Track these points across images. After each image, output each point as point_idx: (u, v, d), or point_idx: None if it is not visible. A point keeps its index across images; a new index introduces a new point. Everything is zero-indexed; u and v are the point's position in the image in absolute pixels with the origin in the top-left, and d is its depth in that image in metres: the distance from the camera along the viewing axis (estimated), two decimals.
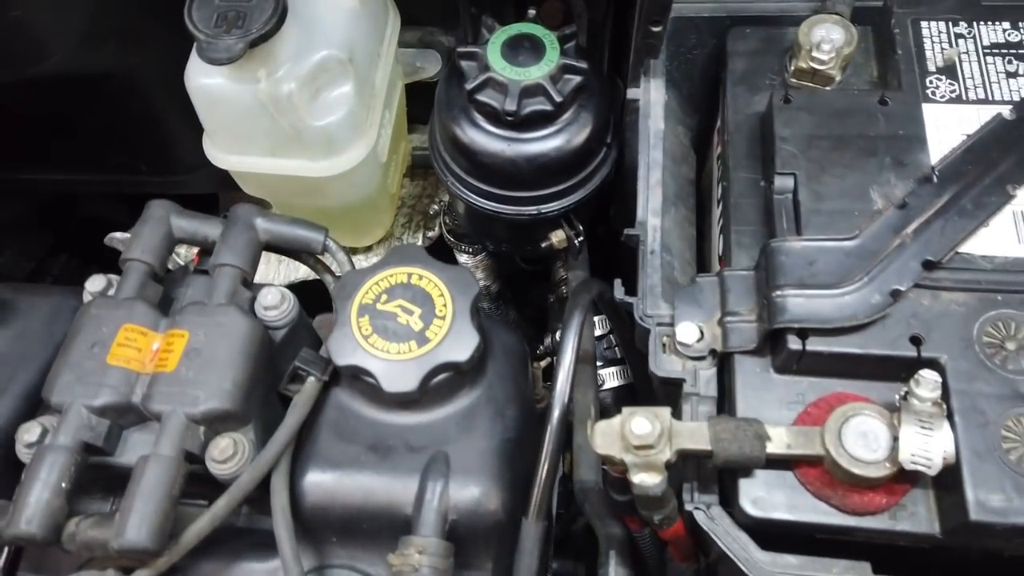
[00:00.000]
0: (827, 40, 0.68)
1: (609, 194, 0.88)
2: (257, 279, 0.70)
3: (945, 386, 0.54)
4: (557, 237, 0.84)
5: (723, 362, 0.63)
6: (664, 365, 0.64)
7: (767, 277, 0.60)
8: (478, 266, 1.06)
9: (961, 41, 0.69)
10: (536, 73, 0.72)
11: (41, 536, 0.55)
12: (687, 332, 0.63)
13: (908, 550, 0.55)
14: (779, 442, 0.55)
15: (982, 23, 0.69)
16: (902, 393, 0.54)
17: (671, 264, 0.74)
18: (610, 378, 0.98)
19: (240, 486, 0.58)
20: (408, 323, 0.63)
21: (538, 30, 0.74)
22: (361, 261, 1.03)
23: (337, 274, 0.70)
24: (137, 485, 0.55)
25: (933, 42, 0.69)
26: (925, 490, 0.55)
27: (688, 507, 0.59)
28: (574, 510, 0.82)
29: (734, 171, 0.70)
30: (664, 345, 0.65)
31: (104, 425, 0.60)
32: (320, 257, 0.72)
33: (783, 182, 0.64)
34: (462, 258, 1.04)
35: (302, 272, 0.99)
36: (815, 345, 0.57)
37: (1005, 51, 0.68)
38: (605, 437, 0.56)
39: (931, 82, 0.67)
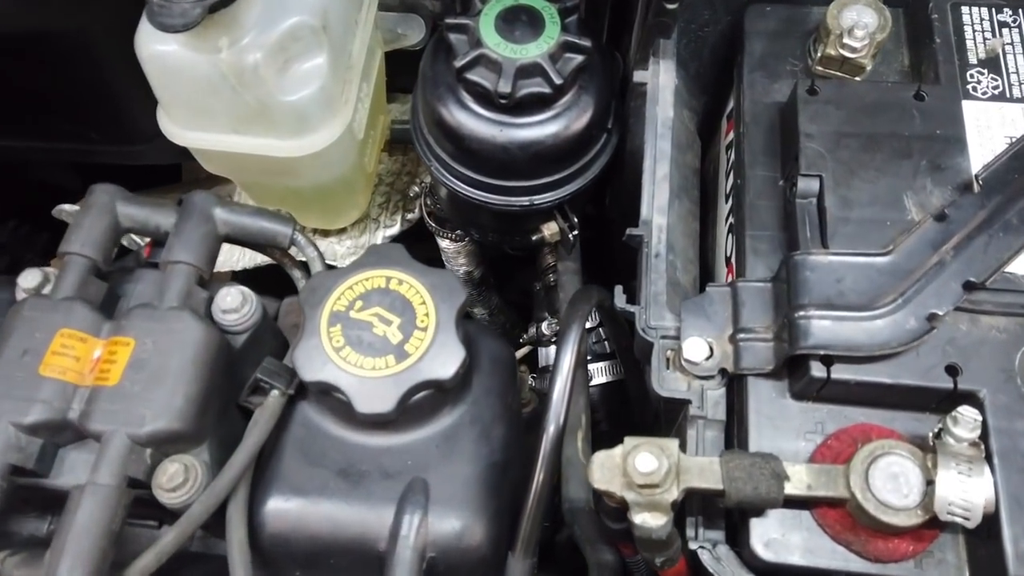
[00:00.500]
0: (860, 25, 0.61)
1: (607, 180, 0.81)
2: (220, 260, 0.63)
3: (983, 423, 0.49)
4: (549, 230, 0.77)
5: (733, 382, 0.57)
6: (668, 383, 0.58)
7: (789, 294, 0.54)
8: (460, 251, 0.98)
9: (1006, 31, 0.62)
10: (534, 51, 0.64)
11: None
12: (695, 349, 0.57)
13: None
14: (798, 482, 0.50)
15: None
16: (935, 430, 0.49)
17: (673, 264, 0.68)
18: (598, 374, 0.93)
19: (191, 519, 0.51)
20: (385, 334, 0.56)
21: (537, 1, 0.66)
22: (335, 245, 0.96)
23: (308, 271, 0.63)
24: (71, 520, 0.49)
25: (974, 31, 0.63)
26: (955, 535, 0.50)
27: (692, 545, 0.53)
28: (559, 520, 0.77)
29: (750, 168, 0.63)
30: (668, 360, 0.59)
31: (36, 445, 0.53)
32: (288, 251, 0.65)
33: (807, 185, 0.58)
34: (444, 243, 0.97)
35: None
36: (841, 373, 0.52)
37: None
38: (604, 471, 0.50)
39: (972, 76, 0.61)
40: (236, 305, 0.59)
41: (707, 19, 0.73)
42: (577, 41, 0.65)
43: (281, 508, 0.56)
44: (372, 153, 0.92)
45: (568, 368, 0.56)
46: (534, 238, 0.78)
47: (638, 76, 0.68)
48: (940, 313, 0.51)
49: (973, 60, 0.61)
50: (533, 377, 1.06)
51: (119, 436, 0.52)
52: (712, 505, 0.54)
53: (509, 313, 1.16)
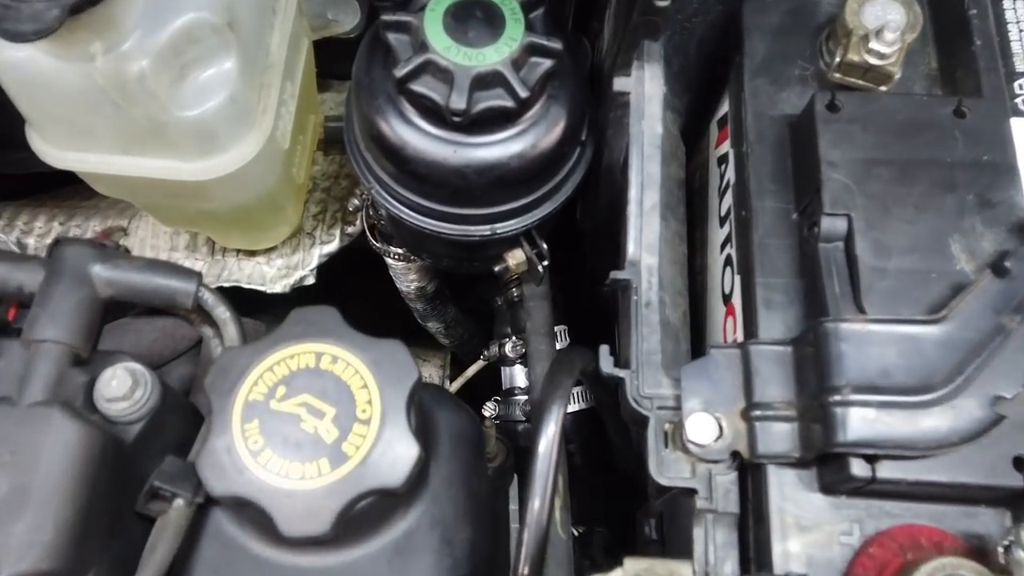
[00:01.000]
0: (889, 26, 0.50)
1: (580, 192, 0.70)
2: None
3: None
4: (515, 259, 0.65)
5: (747, 468, 0.47)
6: (669, 469, 0.48)
7: (820, 371, 0.44)
8: (411, 269, 0.86)
9: None
10: (493, 57, 0.52)
11: None
12: (701, 428, 0.48)
13: None
14: None
15: None
16: (1005, 543, 0.40)
17: (663, 301, 0.57)
18: (571, 400, 0.83)
19: None
20: (317, 430, 0.44)
21: None
22: (263, 267, 0.82)
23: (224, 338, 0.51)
24: None
25: (1020, 29, 0.52)
26: None
27: None
28: None
29: (757, 198, 0.53)
30: (667, 435, 0.49)
31: None
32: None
33: (833, 226, 0.48)
34: (390, 261, 0.84)
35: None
36: (888, 471, 0.42)
37: None
38: None
39: (1021, 87, 0.50)
40: (124, 391, 0.46)
41: (696, 8, 0.62)
42: (545, 43, 0.53)
43: None
44: (302, 161, 0.78)
45: (551, 463, 0.45)
46: (496, 268, 0.66)
47: (619, 84, 0.56)
48: (1008, 397, 0.41)
49: (1021, 67, 0.51)
50: (496, 401, 0.96)
51: None
52: None
53: (467, 324, 1.05)
